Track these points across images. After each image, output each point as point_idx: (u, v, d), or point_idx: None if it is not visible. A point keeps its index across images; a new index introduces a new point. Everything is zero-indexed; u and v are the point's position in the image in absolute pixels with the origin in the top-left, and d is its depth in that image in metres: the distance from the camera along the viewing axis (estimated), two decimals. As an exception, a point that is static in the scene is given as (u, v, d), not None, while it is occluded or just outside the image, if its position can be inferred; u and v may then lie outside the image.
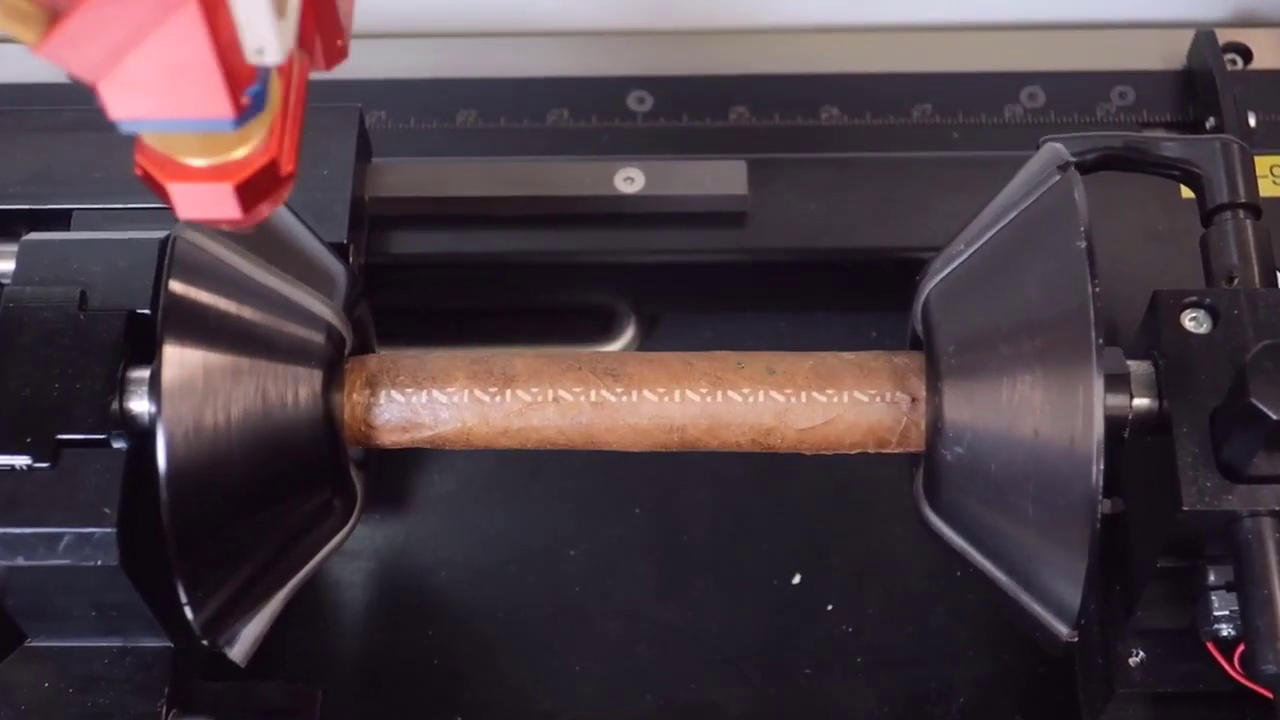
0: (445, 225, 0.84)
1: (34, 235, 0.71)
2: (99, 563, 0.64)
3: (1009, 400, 0.62)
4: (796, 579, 0.83)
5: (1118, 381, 0.64)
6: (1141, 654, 0.71)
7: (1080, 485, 0.60)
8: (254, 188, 0.50)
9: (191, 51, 0.44)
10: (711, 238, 0.84)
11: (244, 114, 0.47)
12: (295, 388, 0.65)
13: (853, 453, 0.67)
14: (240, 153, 0.50)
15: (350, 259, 0.76)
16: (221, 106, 0.46)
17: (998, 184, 0.68)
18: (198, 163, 0.50)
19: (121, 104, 0.46)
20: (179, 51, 0.44)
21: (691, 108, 0.93)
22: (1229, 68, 0.89)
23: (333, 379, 0.66)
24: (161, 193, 0.51)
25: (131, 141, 0.50)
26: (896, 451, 0.67)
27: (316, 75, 0.53)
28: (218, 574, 0.65)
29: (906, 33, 0.97)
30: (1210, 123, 0.87)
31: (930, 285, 0.67)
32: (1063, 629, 0.63)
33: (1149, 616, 0.70)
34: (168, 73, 0.45)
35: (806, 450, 0.67)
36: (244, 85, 0.46)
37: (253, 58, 0.46)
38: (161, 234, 0.67)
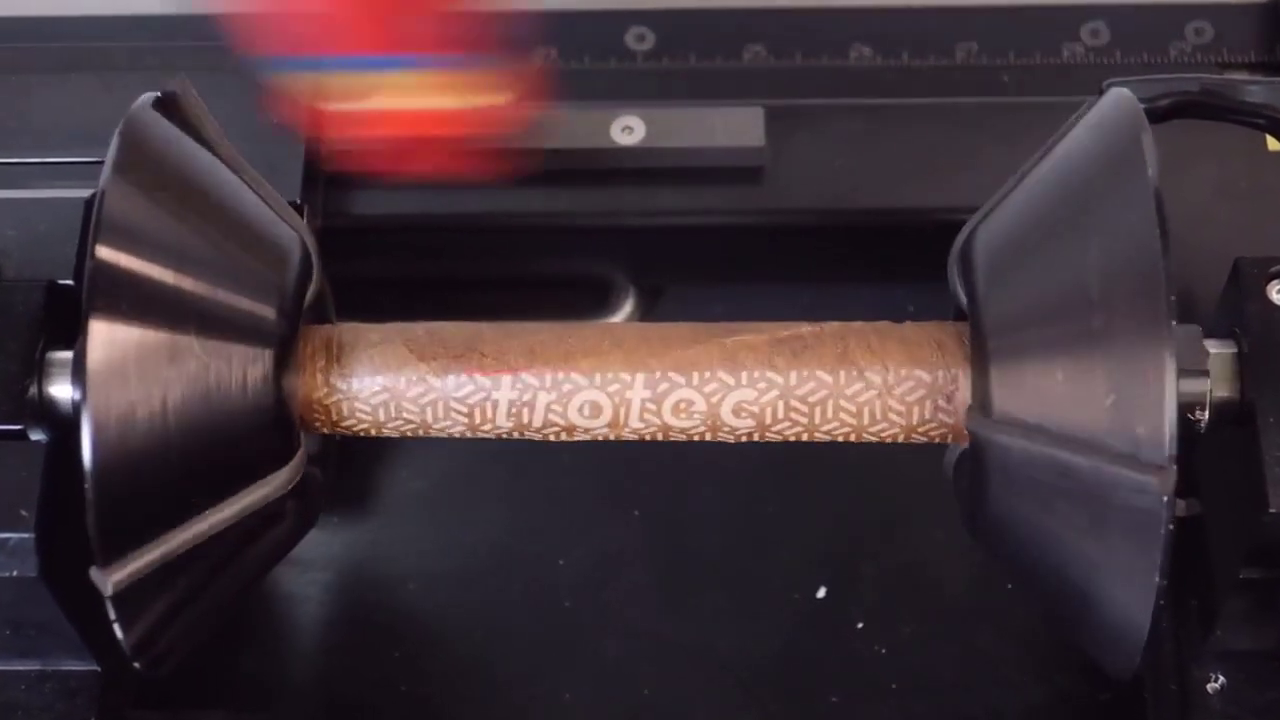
0: (414, 182, 0.84)
1: (-63, 195, 0.72)
2: (14, 573, 0.64)
3: (1066, 385, 0.62)
4: (821, 592, 0.83)
5: (1194, 364, 0.63)
6: (1222, 679, 0.71)
7: (1150, 485, 0.59)
8: None
9: None
10: (723, 196, 0.84)
11: None
12: (242, 369, 0.64)
13: (885, 442, 0.67)
14: None
15: (305, 220, 0.76)
16: None
17: (1054, 134, 0.68)
18: None
19: None
20: None
21: (700, 46, 0.93)
22: (1324, -1, 0.89)
23: (286, 358, 0.66)
24: None
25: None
26: (936, 441, 0.67)
27: None
28: (152, 586, 0.64)
29: (949, -40, 0.97)
30: (1301, 64, 0.87)
31: (974, 250, 0.67)
32: (1129, 651, 0.63)
33: (1230, 636, 0.70)
34: None
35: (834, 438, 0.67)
36: None
37: None
38: (86, 193, 0.67)
